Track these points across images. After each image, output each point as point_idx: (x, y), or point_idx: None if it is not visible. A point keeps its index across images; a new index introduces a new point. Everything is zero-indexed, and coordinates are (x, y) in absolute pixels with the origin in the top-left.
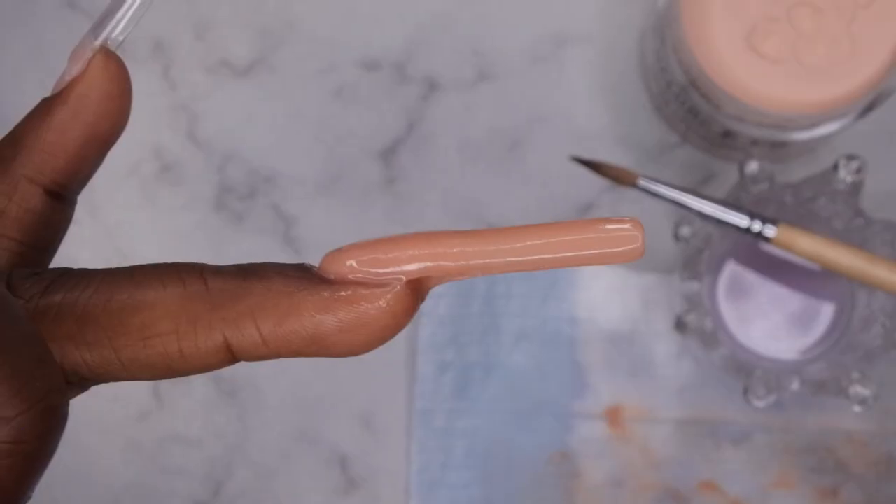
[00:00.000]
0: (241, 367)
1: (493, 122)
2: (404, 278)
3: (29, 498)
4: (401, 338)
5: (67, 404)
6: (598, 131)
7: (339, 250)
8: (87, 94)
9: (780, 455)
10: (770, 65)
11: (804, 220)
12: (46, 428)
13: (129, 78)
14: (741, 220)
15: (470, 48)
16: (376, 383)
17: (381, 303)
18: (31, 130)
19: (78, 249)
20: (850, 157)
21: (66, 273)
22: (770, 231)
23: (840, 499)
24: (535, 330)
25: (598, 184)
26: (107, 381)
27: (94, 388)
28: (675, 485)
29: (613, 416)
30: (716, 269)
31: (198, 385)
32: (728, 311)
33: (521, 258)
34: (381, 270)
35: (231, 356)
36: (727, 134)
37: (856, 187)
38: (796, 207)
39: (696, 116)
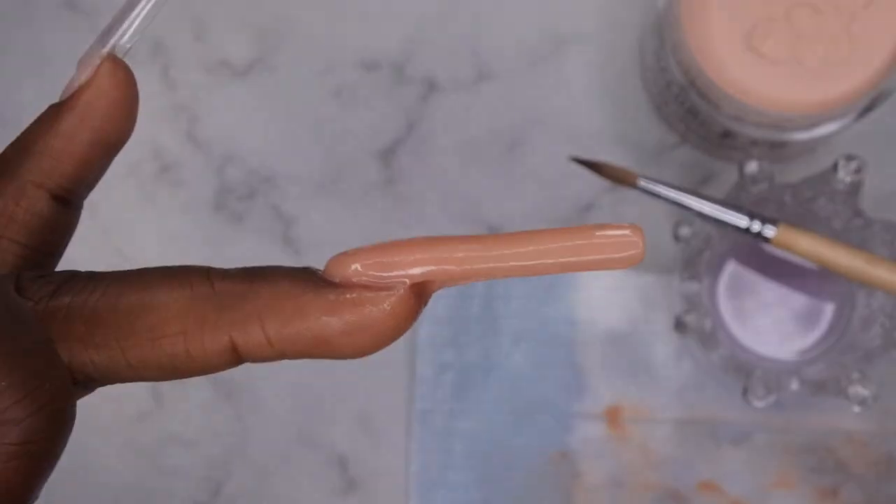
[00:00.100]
0: (241, 367)
1: (493, 122)
2: (408, 282)
3: (36, 498)
4: (401, 339)
5: (75, 406)
6: (597, 131)
7: (344, 254)
8: (94, 100)
9: (780, 455)
10: (769, 65)
11: (804, 220)
12: (54, 430)
13: (136, 85)
14: (741, 221)
15: (469, 48)
16: (376, 384)
17: (384, 305)
18: (38, 136)
19: (77, 249)
20: (850, 158)
21: (74, 276)
22: (770, 231)
23: (840, 499)
24: (535, 331)
25: (597, 184)
26: (113, 381)
27: (95, 391)
28: (674, 485)
29: (613, 416)
30: (715, 269)
31: (197, 386)
32: (728, 311)
33: (522, 263)
34: (385, 274)
35: (237, 357)
36: (727, 134)
37: (855, 187)
38: (796, 207)
39: (695, 117)
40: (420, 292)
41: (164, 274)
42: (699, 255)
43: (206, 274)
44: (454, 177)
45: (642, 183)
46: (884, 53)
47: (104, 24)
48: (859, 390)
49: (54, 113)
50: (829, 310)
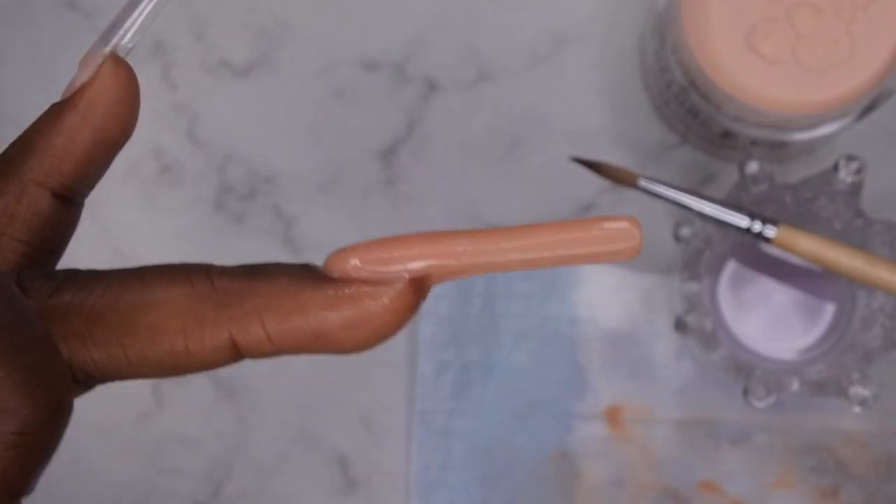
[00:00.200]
0: (241, 367)
1: (493, 122)
2: (407, 276)
3: (33, 489)
4: (401, 338)
5: (73, 400)
6: (597, 131)
7: (343, 250)
8: (96, 99)
9: (780, 455)
10: (770, 65)
11: (804, 220)
12: (52, 422)
13: (138, 84)
14: (741, 221)
15: (469, 48)
16: (376, 383)
17: (384, 300)
18: (40, 135)
19: (76, 248)
20: (850, 158)
21: (76, 274)
22: (770, 231)
23: (840, 499)
24: (535, 330)
25: (598, 184)
26: (113, 379)
27: (95, 388)
28: (675, 485)
29: (613, 416)
30: (716, 269)
31: (198, 385)
32: (728, 311)
33: (521, 256)
34: (384, 269)
35: (236, 354)
36: (727, 134)
37: (856, 188)
38: (796, 208)
39: (695, 117)
40: (419, 286)
41: (163, 272)
42: (699, 256)
43: (205, 271)
44: (454, 177)
45: (642, 183)
46: (884, 54)
47: (104, 24)
48: (859, 390)
49: (56, 112)
50: (829, 310)
